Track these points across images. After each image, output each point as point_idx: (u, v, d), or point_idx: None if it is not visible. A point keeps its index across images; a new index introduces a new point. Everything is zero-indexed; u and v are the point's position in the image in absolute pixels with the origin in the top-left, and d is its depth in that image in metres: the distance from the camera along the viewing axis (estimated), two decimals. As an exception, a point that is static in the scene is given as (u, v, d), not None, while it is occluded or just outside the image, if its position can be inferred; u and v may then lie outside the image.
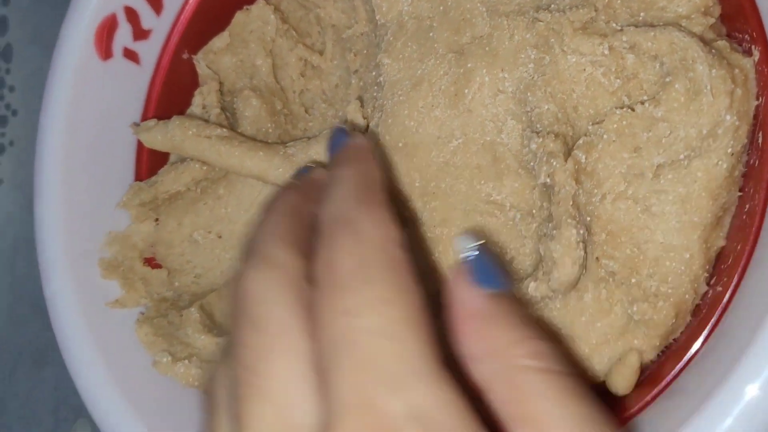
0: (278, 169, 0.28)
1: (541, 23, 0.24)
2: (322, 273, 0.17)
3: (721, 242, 0.23)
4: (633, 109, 0.23)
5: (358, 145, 0.21)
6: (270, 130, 0.31)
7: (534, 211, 0.25)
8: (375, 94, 0.28)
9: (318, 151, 0.29)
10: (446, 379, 0.15)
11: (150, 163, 0.31)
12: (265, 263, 0.18)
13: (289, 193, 0.20)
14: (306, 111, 0.32)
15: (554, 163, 0.23)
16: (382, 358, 0.15)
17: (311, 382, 0.16)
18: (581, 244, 0.22)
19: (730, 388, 0.19)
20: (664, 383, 0.22)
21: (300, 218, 0.19)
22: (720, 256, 0.23)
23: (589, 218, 0.23)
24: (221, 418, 0.18)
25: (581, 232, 0.22)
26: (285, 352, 0.17)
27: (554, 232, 0.23)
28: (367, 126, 0.28)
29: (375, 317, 0.16)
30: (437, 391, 0.15)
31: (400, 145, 0.26)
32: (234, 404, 0.17)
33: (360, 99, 0.29)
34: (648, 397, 0.22)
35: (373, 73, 0.28)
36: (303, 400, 0.16)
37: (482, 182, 0.25)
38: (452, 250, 0.26)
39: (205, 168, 0.30)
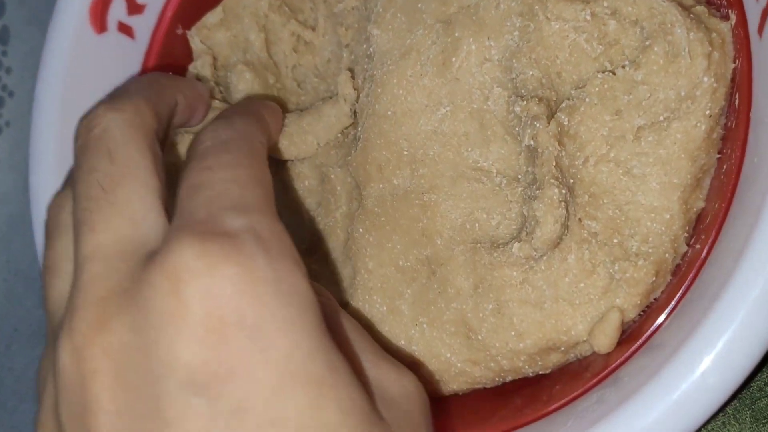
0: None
1: (525, -9, 0.25)
2: (195, 145, 0.21)
3: (701, 204, 0.24)
4: (614, 73, 0.23)
5: (258, 99, 0.26)
6: (262, 104, 0.31)
7: (519, 176, 0.25)
8: (365, 66, 0.28)
9: (309, 122, 0.29)
10: (280, 220, 0.18)
11: (144, 135, 0.31)
12: (124, 106, 0.20)
13: (161, 76, 0.25)
14: (298, 86, 0.32)
15: (538, 126, 0.23)
16: (231, 195, 0.18)
17: (159, 211, 0.19)
18: (563, 204, 0.23)
19: (702, 339, 0.20)
20: (643, 339, 0.23)
21: (166, 98, 0.23)
22: (699, 217, 0.24)
23: (572, 180, 0.24)
24: (63, 239, 0.20)
25: (563, 191, 0.23)
26: (137, 181, 0.19)
27: (537, 192, 0.23)
28: (358, 96, 0.28)
29: (229, 171, 0.19)
30: (272, 222, 0.18)
31: (389, 113, 0.27)
32: (84, 217, 0.19)
33: (351, 70, 0.29)
34: (628, 353, 0.23)
35: (364, 46, 0.29)
36: (151, 220, 0.19)
37: (469, 149, 0.26)
38: (440, 215, 0.26)
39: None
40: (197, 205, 0.18)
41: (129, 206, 0.19)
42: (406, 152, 0.27)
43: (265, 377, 0.16)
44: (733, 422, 0.26)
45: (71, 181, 0.20)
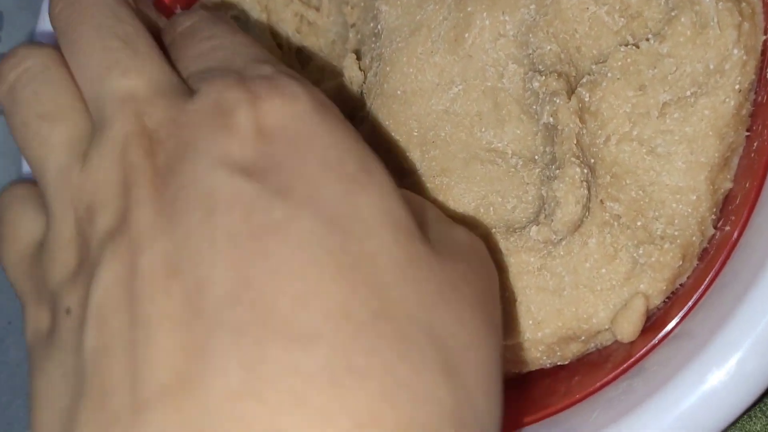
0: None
1: (542, -38, 0.23)
2: (173, 29, 0.22)
3: (729, 184, 0.23)
4: (638, 46, 0.22)
5: None
6: (265, 87, 0.30)
7: (536, 157, 0.24)
8: (372, 45, 0.27)
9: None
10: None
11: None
12: None
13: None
14: (302, 68, 0.31)
15: (557, 101, 0.22)
16: (247, 53, 0.20)
17: (173, 69, 0.20)
18: (585, 183, 0.22)
19: (738, 325, 0.19)
20: (670, 327, 0.22)
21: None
22: (728, 199, 0.23)
23: (593, 160, 0.23)
24: (53, 88, 0.20)
25: (585, 171, 0.22)
26: (149, 38, 0.20)
27: (557, 171, 0.22)
28: (365, 77, 0.27)
29: (229, 37, 0.20)
30: (290, 69, 0.19)
31: (399, 93, 0.26)
32: (110, 64, 0.19)
33: (356, 52, 0.28)
34: (654, 341, 0.22)
35: (371, 24, 0.28)
36: (174, 73, 0.19)
37: (483, 130, 0.25)
38: (452, 199, 0.25)
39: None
40: (221, 62, 0.19)
41: (154, 56, 0.19)
42: (416, 133, 0.25)
43: (305, 169, 0.17)
44: (760, 415, 0.25)
45: (63, 41, 0.20)
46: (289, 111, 0.18)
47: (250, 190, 0.16)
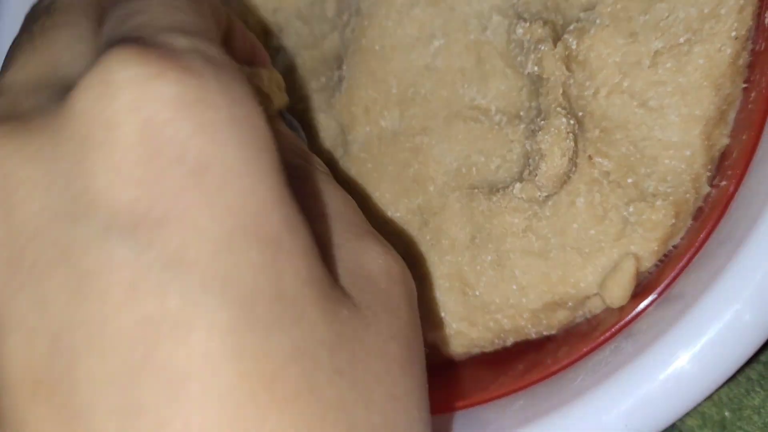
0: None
1: None
2: None
3: (725, 140, 0.21)
4: (628, -9, 0.21)
5: None
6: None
7: (521, 113, 0.23)
8: (350, 1, 0.26)
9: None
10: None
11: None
12: None
13: None
14: (280, 30, 0.30)
15: (543, 49, 0.21)
16: (173, 17, 0.15)
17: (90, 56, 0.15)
18: (571, 135, 0.20)
19: (731, 279, 0.17)
20: (660, 289, 0.20)
21: None
22: (724, 155, 0.21)
23: (581, 113, 0.21)
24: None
25: (571, 122, 0.21)
26: (68, 27, 0.16)
27: (542, 122, 0.21)
28: (343, 34, 0.26)
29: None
30: (222, 51, 0.14)
31: (377, 48, 0.24)
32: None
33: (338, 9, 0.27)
34: (646, 303, 0.20)
35: (350, -20, 0.26)
36: (78, 64, 0.15)
37: (465, 86, 0.24)
38: (433, 159, 0.24)
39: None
40: (130, 28, 0.14)
41: (51, 48, 0.15)
42: (395, 90, 0.24)
43: (210, 227, 0.12)
44: (758, 389, 0.24)
45: None
46: (192, 119, 0.13)
47: (129, 260, 0.12)
